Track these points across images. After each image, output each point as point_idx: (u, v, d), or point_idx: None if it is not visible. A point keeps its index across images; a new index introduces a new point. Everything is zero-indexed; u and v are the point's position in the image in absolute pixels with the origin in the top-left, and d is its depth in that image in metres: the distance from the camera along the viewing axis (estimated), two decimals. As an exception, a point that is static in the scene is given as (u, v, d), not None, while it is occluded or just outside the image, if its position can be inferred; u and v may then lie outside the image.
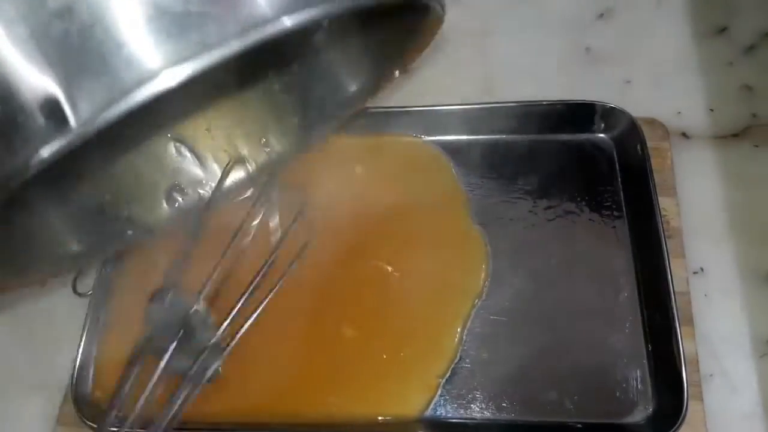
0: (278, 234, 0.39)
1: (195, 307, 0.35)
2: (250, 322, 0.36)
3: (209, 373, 0.35)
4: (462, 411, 0.36)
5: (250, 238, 0.38)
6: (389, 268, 0.40)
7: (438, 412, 0.36)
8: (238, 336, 0.36)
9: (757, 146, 0.44)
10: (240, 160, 0.36)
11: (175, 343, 0.34)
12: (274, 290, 0.36)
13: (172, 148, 0.34)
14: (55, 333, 0.42)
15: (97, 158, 0.31)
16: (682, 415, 0.33)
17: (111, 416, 0.33)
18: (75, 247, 0.33)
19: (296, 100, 0.35)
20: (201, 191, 0.34)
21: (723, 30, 0.49)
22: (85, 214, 0.32)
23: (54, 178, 0.30)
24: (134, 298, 0.40)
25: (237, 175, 0.34)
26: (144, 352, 0.35)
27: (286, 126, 0.35)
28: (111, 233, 0.32)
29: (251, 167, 0.34)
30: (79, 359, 0.38)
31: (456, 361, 0.37)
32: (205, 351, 0.34)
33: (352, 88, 0.35)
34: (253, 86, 0.34)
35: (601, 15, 0.51)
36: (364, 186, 0.43)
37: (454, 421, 0.36)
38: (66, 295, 0.42)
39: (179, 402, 0.33)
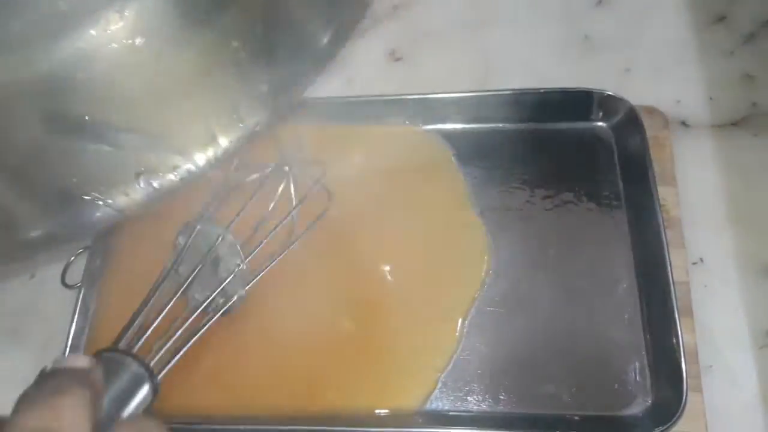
0: (296, 199, 0.40)
1: (223, 237, 0.36)
2: (276, 261, 0.37)
3: (233, 300, 0.35)
4: (459, 403, 0.35)
5: (275, 202, 0.39)
6: (390, 260, 0.39)
7: (435, 405, 0.36)
8: (266, 269, 0.36)
9: (756, 135, 0.43)
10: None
11: (199, 268, 0.35)
12: (297, 239, 0.38)
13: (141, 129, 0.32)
14: (45, 325, 0.42)
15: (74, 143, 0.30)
16: (682, 406, 0.33)
17: (123, 338, 0.31)
18: (35, 232, 0.32)
19: (263, 65, 0.34)
20: (174, 174, 0.33)
21: (722, 18, 0.48)
22: (48, 197, 0.31)
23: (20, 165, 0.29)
24: (123, 290, 0.40)
25: (211, 152, 0.33)
26: (167, 280, 0.34)
27: (256, 96, 0.34)
28: (76, 217, 0.31)
29: (227, 143, 0.33)
30: (68, 351, 0.37)
31: (455, 353, 0.37)
32: (231, 276, 0.35)
33: (319, 40, 0.34)
34: (218, 52, 0.32)
35: (600, 2, 0.50)
36: (365, 176, 0.42)
37: (451, 413, 0.35)
38: (55, 286, 0.42)
39: (197, 328, 0.33)
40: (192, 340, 0.33)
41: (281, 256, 0.37)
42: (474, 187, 0.41)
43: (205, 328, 0.34)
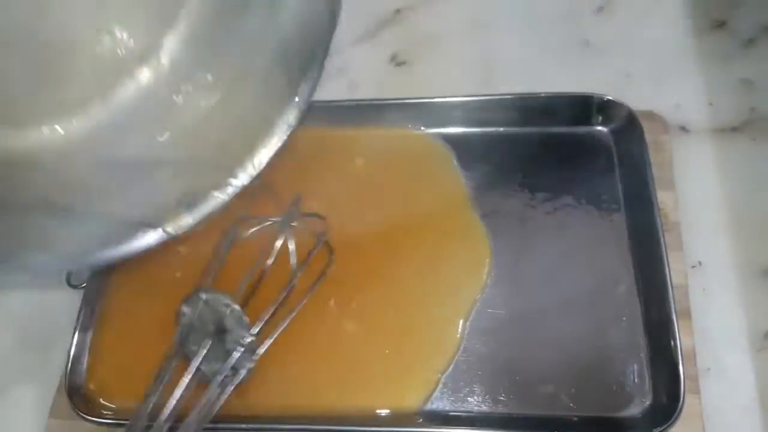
0: (297, 257, 0.40)
1: (230, 308, 0.35)
2: (281, 329, 0.37)
3: (242, 375, 0.35)
4: (459, 404, 0.36)
5: (273, 258, 0.39)
6: (392, 261, 0.39)
7: (435, 405, 0.36)
8: (270, 340, 0.36)
9: (755, 140, 0.44)
10: None
11: (209, 344, 0.34)
12: (302, 303, 0.38)
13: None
14: (49, 325, 0.42)
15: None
16: (679, 408, 0.33)
17: (141, 418, 0.33)
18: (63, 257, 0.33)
19: (278, 59, 0.35)
20: (220, 192, 0.34)
21: (722, 24, 0.49)
22: (101, 224, 0.32)
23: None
24: (129, 291, 0.40)
25: (250, 164, 0.34)
26: (177, 354, 0.35)
27: (280, 94, 0.35)
28: (131, 242, 0.33)
29: (265, 151, 0.34)
30: (72, 351, 0.37)
31: (456, 354, 0.37)
32: (238, 351, 0.35)
33: (319, 16, 0.35)
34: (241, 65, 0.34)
35: (600, 8, 0.51)
36: (367, 178, 0.42)
37: (452, 414, 0.35)
38: (60, 287, 0.42)
39: (210, 405, 0.34)
40: (205, 419, 0.33)
41: (286, 323, 0.37)
42: (474, 190, 0.42)
43: (218, 406, 0.34)
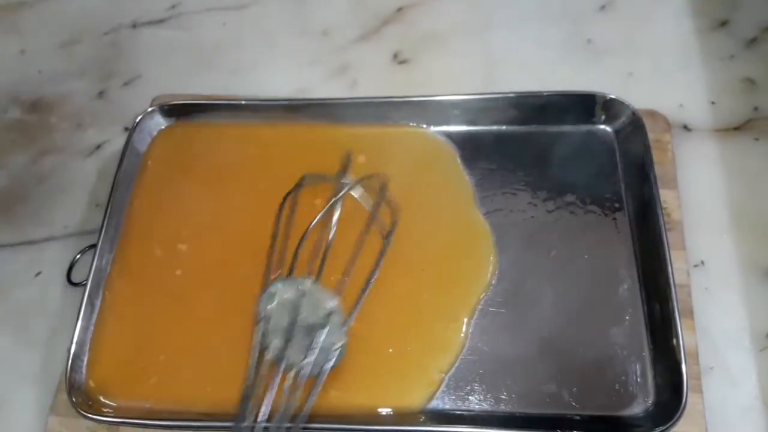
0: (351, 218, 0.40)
1: (334, 309, 0.35)
2: (366, 292, 0.37)
3: (328, 367, 0.35)
4: (461, 403, 0.36)
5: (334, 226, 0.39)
6: (398, 259, 0.39)
7: (437, 404, 0.36)
8: (358, 307, 0.37)
9: (757, 139, 0.44)
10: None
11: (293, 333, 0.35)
12: (374, 278, 0.38)
13: None
14: (50, 322, 0.42)
15: None
16: (682, 407, 0.33)
17: (245, 414, 0.34)
18: None
19: None
20: None
21: (724, 23, 0.49)
22: None
23: None
24: (129, 288, 0.40)
25: None
26: (279, 358, 0.35)
27: None
28: None
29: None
30: (73, 349, 0.37)
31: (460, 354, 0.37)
32: (335, 350, 0.35)
33: None
34: None
35: (603, 7, 0.51)
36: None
37: (453, 412, 0.35)
38: (61, 284, 0.42)
39: (310, 401, 0.34)
40: (310, 402, 0.34)
41: (369, 287, 0.37)
42: (477, 188, 0.42)
43: (320, 386, 0.34)
